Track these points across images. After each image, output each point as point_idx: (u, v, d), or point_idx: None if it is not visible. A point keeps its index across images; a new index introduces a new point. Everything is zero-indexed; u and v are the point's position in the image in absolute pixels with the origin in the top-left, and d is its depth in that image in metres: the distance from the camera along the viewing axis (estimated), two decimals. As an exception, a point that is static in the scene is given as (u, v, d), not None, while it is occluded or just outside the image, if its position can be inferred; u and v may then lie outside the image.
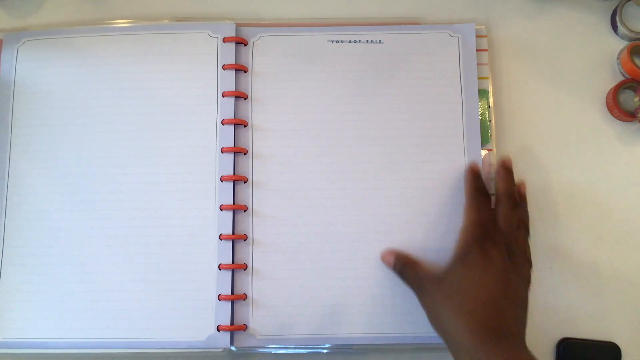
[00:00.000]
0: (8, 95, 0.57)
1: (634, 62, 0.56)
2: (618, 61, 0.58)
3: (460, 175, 0.54)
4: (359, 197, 0.54)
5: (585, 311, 0.54)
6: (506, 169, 0.53)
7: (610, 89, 0.57)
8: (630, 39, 0.58)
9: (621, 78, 0.58)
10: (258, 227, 0.54)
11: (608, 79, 0.58)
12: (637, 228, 0.56)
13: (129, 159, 0.55)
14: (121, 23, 0.58)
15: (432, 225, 0.53)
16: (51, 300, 0.53)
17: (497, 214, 0.50)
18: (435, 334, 0.48)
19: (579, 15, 0.60)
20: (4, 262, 0.54)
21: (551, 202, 0.56)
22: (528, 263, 0.50)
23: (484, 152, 0.55)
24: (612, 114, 0.58)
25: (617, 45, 0.59)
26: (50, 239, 0.54)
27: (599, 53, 0.59)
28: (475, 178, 0.52)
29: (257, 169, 0.55)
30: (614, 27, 0.59)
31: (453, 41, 0.57)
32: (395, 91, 0.56)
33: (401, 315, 0.53)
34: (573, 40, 0.59)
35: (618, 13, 0.58)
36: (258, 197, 0.55)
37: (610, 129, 0.58)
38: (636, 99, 0.55)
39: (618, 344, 0.53)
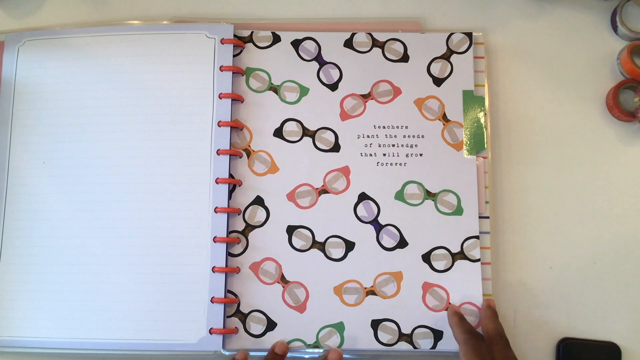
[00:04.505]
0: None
1: (634, 62, 0.56)
2: (618, 61, 0.58)
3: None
4: None
5: (585, 311, 0.54)
6: (492, 309, 0.52)
7: (610, 89, 0.57)
8: (630, 39, 0.58)
9: (621, 78, 0.58)
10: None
11: (608, 79, 0.58)
12: (637, 228, 0.55)
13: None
14: (120, 24, 0.58)
15: None
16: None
17: (493, 355, 0.48)
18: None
19: (579, 15, 0.60)
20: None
21: (551, 201, 0.56)
22: None
23: (480, 159, 0.55)
24: (612, 114, 0.58)
25: (617, 45, 0.59)
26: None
27: (599, 53, 0.59)
28: (462, 319, 0.51)
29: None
30: (614, 27, 0.59)
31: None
32: None
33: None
34: (573, 40, 0.59)
35: (618, 13, 0.58)
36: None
37: (610, 129, 0.57)
38: (636, 99, 0.55)
39: (618, 344, 0.53)
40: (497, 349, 0.48)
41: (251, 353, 0.53)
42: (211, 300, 0.52)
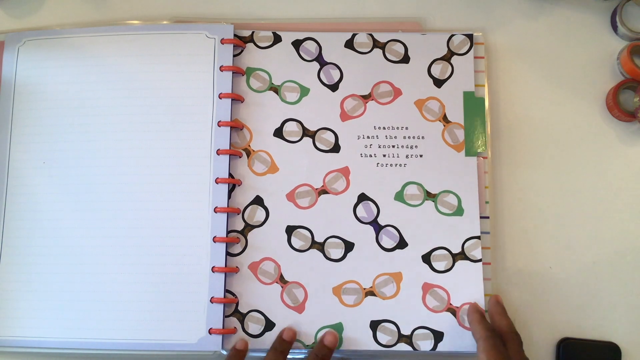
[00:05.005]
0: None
1: (634, 62, 0.56)
2: (618, 61, 0.58)
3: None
4: None
5: (585, 311, 0.54)
6: (501, 305, 0.52)
7: (610, 89, 0.57)
8: (630, 39, 0.58)
9: (621, 78, 0.58)
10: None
11: (608, 79, 0.58)
12: (637, 228, 0.55)
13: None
14: (120, 23, 0.58)
15: None
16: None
17: (509, 353, 0.48)
18: None
19: (579, 15, 0.60)
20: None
21: (551, 202, 0.56)
22: None
23: (480, 160, 0.55)
24: (612, 114, 0.58)
25: (617, 45, 0.59)
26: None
27: (599, 53, 0.59)
28: (483, 317, 0.51)
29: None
30: (614, 27, 0.59)
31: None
32: None
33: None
34: (573, 40, 0.59)
35: (618, 13, 0.58)
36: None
37: (610, 129, 0.57)
38: (636, 99, 0.55)
39: (618, 344, 0.53)
40: (512, 347, 0.48)
41: (250, 354, 0.52)
42: (211, 300, 0.52)
